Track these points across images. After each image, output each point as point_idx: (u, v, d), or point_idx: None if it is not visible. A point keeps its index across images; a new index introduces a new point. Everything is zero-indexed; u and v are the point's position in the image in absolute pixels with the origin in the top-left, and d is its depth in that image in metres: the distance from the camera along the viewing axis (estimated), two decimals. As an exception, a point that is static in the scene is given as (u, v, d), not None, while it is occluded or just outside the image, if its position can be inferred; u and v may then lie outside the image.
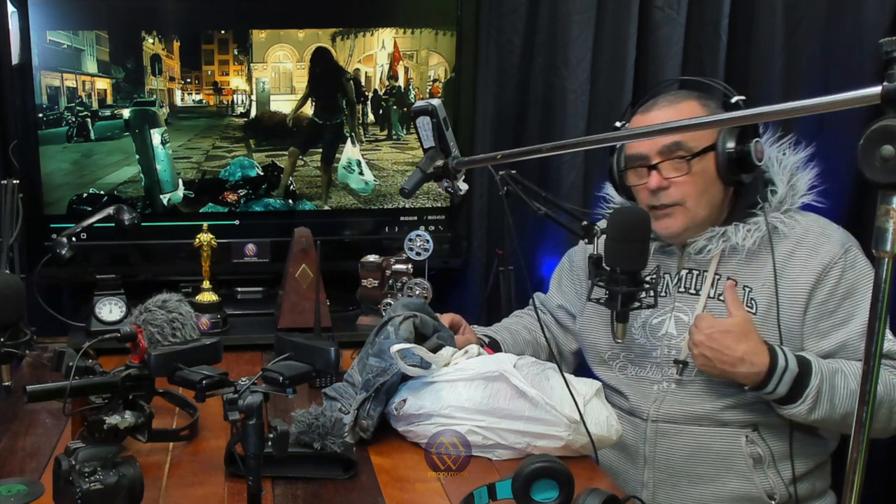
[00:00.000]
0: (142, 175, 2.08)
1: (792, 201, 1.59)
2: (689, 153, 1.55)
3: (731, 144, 1.54)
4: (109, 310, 1.89)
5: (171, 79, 2.07)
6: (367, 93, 2.15)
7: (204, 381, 1.15)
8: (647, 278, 1.44)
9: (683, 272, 1.64)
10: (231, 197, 2.13)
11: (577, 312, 1.79)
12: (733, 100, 1.53)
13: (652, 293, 1.43)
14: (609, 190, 1.78)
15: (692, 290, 1.62)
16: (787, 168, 1.61)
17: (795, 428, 1.55)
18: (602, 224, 1.49)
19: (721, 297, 1.58)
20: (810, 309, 1.53)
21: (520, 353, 1.71)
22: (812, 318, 1.53)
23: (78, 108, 2.02)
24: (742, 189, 1.61)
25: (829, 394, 1.46)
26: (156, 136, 2.08)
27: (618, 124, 1.69)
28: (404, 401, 1.44)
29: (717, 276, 1.60)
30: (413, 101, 2.15)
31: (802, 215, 1.60)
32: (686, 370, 1.59)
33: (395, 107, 2.16)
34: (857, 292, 1.53)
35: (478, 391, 1.42)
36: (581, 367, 1.82)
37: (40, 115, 1.99)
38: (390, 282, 1.98)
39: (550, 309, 1.86)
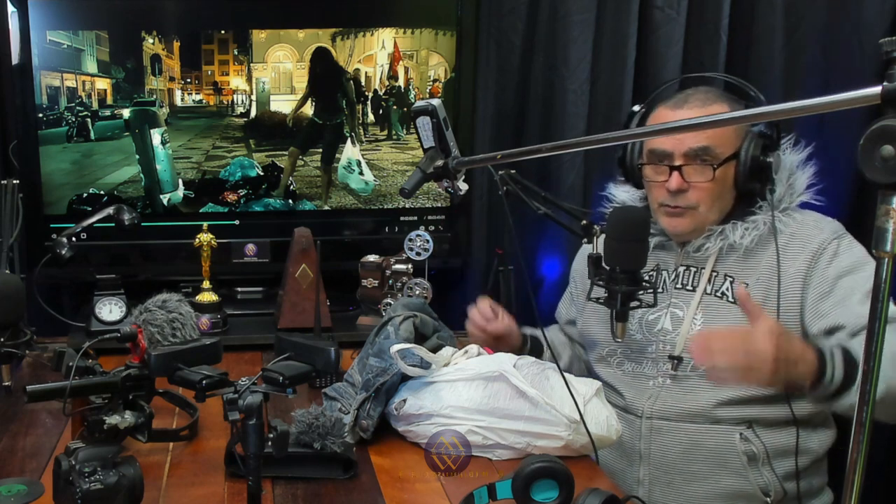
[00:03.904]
0: (142, 175, 2.08)
1: (790, 200, 1.60)
2: (715, 160, 1.55)
3: (755, 154, 1.55)
4: (109, 310, 1.89)
5: (171, 79, 2.07)
6: (367, 93, 2.15)
7: (204, 381, 1.15)
8: (647, 277, 1.44)
9: (681, 269, 1.65)
10: (231, 197, 2.13)
11: (578, 314, 1.80)
12: None
13: (651, 292, 1.43)
14: (612, 189, 1.78)
15: (689, 287, 1.63)
16: (786, 167, 1.61)
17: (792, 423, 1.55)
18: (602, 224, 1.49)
19: (718, 294, 1.60)
20: (808, 294, 1.53)
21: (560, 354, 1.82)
22: (811, 302, 1.53)
23: (78, 108, 2.02)
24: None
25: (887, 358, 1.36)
26: (156, 136, 2.08)
27: (636, 108, 1.68)
28: (404, 401, 1.44)
29: (715, 273, 1.61)
30: (413, 101, 2.15)
31: (799, 212, 1.61)
32: (681, 366, 1.59)
33: (395, 107, 2.16)
34: (853, 271, 1.51)
35: (478, 391, 1.42)
36: None
37: (40, 115, 1.99)
38: (390, 282, 1.98)
39: (562, 327, 1.90)
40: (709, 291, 1.61)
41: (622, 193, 1.76)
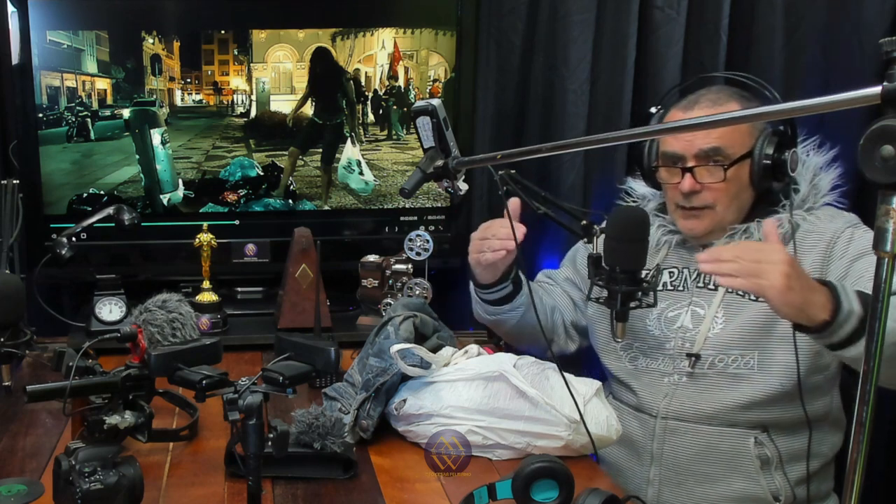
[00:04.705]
0: (142, 175, 2.08)
1: (814, 200, 1.60)
2: (727, 160, 1.55)
3: (768, 152, 1.54)
4: (109, 310, 1.89)
5: (171, 79, 2.07)
6: (367, 93, 2.15)
7: (204, 381, 1.15)
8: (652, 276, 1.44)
9: None
10: (231, 197, 2.13)
11: (586, 291, 1.79)
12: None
13: (651, 292, 1.43)
14: (632, 183, 1.79)
15: (711, 286, 1.63)
16: (811, 168, 1.62)
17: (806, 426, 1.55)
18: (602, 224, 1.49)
19: (740, 292, 1.59)
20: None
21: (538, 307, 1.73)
22: None
23: (78, 108, 2.02)
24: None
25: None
26: (156, 136, 2.08)
27: (653, 110, 1.68)
28: (404, 401, 1.44)
29: None
30: (413, 101, 2.15)
31: (822, 210, 1.60)
32: (698, 363, 1.59)
33: (395, 107, 2.16)
34: (866, 254, 1.50)
35: (478, 391, 1.42)
36: (587, 349, 1.82)
37: (40, 115, 1.99)
38: (390, 282, 1.98)
39: (559, 282, 1.86)
40: (730, 290, 1.60)
41: (641, 187, 1.76)
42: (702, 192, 1.58)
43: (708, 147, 1.55)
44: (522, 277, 1.73)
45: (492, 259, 1.64)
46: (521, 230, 1.59)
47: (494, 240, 1.64)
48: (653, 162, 1.65)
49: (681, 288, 1.65)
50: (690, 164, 1.57)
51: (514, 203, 1.58)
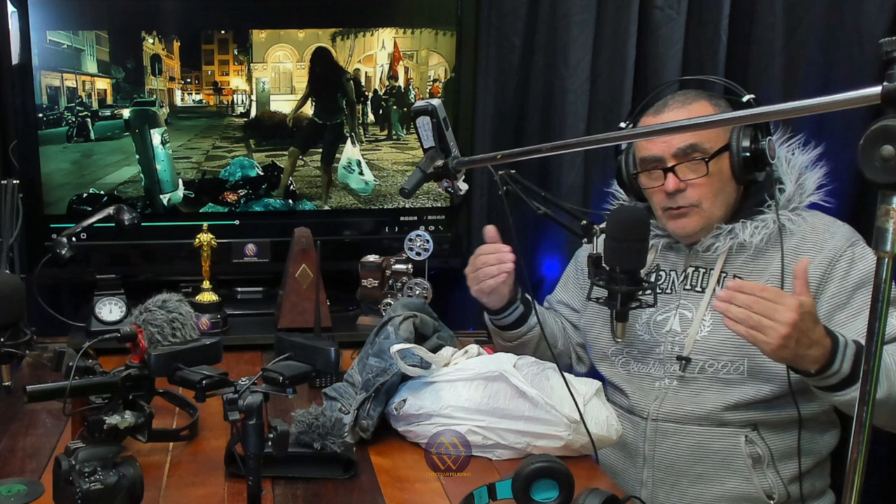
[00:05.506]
0: (142, 175, 2.08)
1: (800, 200, 1.60)
2: (705, 155, 1.55)
3: (745, 144, 1.54)
4: (109, 310, 1.89)
5: (171, 79, 2.07)
6: (367, 93, 2.15)
7: (204, 381, 1.16)
8: (646, 277, 1.44)
9: (690, 270, 1.64)
10: (231, 197, 2.13)
11: (580, 309, 1.80)
12: (745, 98, 1.53)
13: (651, 292, 1.43)
14: (617, 186, 1.79)
15: (698, 288, 1.63)
16: (796, 167, 1.62)
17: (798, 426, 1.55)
18: (602, 224, 1.49)
19: None
20: (822, 304, 1.51)
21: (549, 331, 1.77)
22: (826, 313, 1.51)
23: (78, 108, 2.02)
24: (751, 188, 1.61)
25: (884, 370, 1.40)
26: (156, 136, 2.08)
27: (622, 125, 1.69)
28: (404, 401, 1.44)
29: (724, 274, 1.60)
30: (413, 101, 2.15)
31: (810, 213, 1.60)
32: (688, 367, 1.59)
33: (395, 107, 2.16)
34: (868, 283, 1.50)
35: (478, 391, 1.42)
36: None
37: (40, 115, 1.99)
38: (390, 282, 1.98)
39: (553, 306, 1.88)
40: (718, 292, 1.60)
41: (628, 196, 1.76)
42: (686, 190, 1.57)
43: (685, 145, 1.55)
44: (523, 295, 1.75)
45: (494, 284, 1.67)
46: (508, 255, 1.65)
47: (488, 266, 1.67)
48: (632, 171, 1.66)
49: (668, 291, 1.65)
50: (670, 163, 1.57)
51: (489, 231, 1.68)
